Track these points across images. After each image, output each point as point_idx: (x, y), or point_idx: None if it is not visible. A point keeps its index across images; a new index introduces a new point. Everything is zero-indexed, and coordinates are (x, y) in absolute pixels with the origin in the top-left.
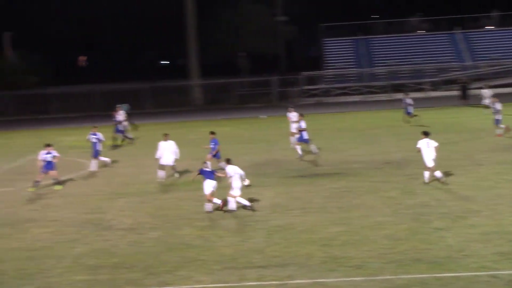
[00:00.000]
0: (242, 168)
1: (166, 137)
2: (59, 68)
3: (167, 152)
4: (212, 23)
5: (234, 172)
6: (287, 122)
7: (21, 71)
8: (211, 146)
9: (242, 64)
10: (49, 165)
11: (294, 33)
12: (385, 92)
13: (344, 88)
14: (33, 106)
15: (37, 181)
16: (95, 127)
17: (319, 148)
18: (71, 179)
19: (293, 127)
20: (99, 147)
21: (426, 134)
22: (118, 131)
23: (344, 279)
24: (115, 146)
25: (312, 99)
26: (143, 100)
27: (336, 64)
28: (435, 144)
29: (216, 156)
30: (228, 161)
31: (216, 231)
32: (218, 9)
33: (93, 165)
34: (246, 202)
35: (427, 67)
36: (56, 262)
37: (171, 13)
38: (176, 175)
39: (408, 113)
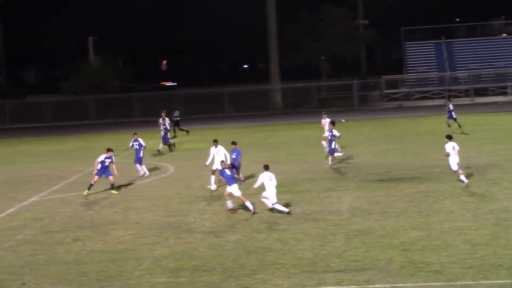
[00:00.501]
0: (321, 172)
1: (215, 143)
2: (141, 72)
3: (217, 157)
4: (293, 27)
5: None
6: (367, 126)
7: (104, 75)
8: (233, 156)
9: (323, 68)
10: (104, 170)
11: (375, 37)
12: (467, 96)
13: (426, 92)
14: (115, 110)
15: (92, 184)
16: (135, 133)
17: (402, 152)
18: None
19: (327, 133)
20: (141, 153)
21: (450, 138)
22: (166, 139)
23: (423, 284)
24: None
25: (393, 103)
26: (223, 104)
27: (418, 68)
28: (458, 148)
29: (236, 167)
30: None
31: (295, 235)
32: (300, 13)
33: (140, 170)
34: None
35: (510, 71)
36: (137, 264)
37: (253, 18)
38: (241, 178)
39: (453, 118)
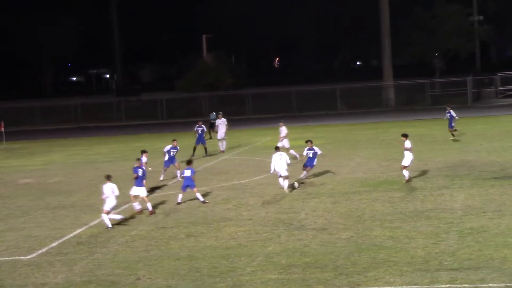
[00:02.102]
0: (434, 169)
1: (277, 150)
2: (254, 70)
3: (280, 163)
4: (407, 23)
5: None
6: (481, 123)
7: (217, 72)
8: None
9: (437, 64)
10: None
11: (490, 33)
12: None
13: None
14: (229, 107)
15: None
16: (175, 140)
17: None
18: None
19: (282, 143)
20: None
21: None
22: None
23: None
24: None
25: (508, 100)
26: (335, 101)
27: None
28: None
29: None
30: None
31: (407, 233)
32: (413, 9)
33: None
34: None
35: None
36: (249, 261)
37: (366, 15)
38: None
39: (451, 126)
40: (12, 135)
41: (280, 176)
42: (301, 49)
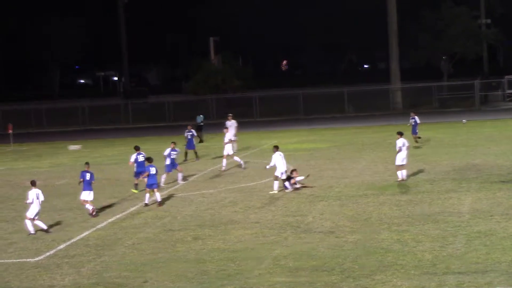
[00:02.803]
0: (442, 172)
1: (276, 149)
2: (261, 72)
3: (280, 163)
4: (414, 26)
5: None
6: (489, 126)
7: (224, 74)
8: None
9: (444, 67)
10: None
11: (497, 36)
12: None
13: None
14: (236, 109)
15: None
16: (173, 142)
17: None
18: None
19: (228, 136)
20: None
21: (401, 134)
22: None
23: None
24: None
25: None
26: (343, 104)
27: None
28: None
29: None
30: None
31: (415, 236)
32: (420, 12)
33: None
34: None
35: None
36: (256, 264)
37: (373, 18)
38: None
39: (414, 133)
40: (19, 137)
41: (280, 178)
42: (308, 51)
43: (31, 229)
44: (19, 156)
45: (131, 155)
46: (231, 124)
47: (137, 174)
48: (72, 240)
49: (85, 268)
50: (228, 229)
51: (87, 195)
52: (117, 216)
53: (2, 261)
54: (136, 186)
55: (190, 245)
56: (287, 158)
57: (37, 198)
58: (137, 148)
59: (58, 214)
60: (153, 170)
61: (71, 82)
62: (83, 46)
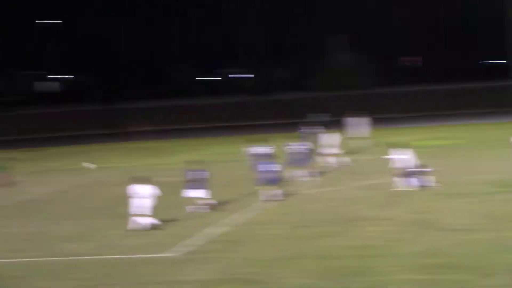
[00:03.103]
0: None
1: (397, 145)
2: (389, 68)
3: (402, 159)
4: None
5: None
6: None
7: (352, 72)
8: None
9: None
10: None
11: None
12: None
13: None
14: (364, 106)
15: None
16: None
17: None
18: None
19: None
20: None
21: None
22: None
23: None
24: None
25: None
26: (476, 99)
27: None
28: None
29: None
30: None
31: None
32: None
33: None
34: None
35: None
36: (384, 261)
37: (492, 13)
38: None
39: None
40: (149, 134)
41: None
42: (441, 47)
43: (142, 222)
44: (150, 152)
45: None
46: (360, 121)
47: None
48: (206, 236)
49: (215, 264)
50: (356, 226)
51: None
52: (250, 212)
53: (139, 256)
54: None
55: (317, 241)
56: (416, 155)
57: (149, 194)
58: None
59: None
60: (272, 167)
61: (200, 79)
62: (215, 45)
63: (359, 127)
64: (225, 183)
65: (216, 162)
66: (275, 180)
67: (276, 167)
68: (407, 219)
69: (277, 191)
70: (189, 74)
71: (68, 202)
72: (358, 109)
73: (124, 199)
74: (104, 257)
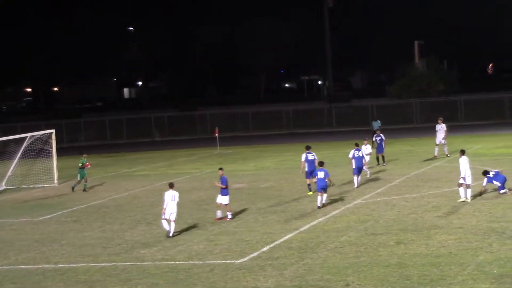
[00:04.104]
0: None
1: (462, 153)
2: (467, 75)
3: (464, 168)
4: None
5: None
6: None
7: (428, 78)
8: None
9: None
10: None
11: None
12: None
13: None
14: (441, 113)
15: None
16: (308, 147)
17: None
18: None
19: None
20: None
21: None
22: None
23: None
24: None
25: None
26: None
27: None
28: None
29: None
30: None
31: None
32: None
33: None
34: None
35: None
36: (460, 269)
37: None
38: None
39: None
40: (226, 140)
41: (461, 185)
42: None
43: (167, 227)
44: (224, 159)
45: (302, 154)
46: (441, 127)
47: (308, 174)
48: (276, 243)
49: (287, 271)
50: (431, 234)
51: (221, 199)
52: (320, 219)
53: (208, 262)
54: (309, 187)
55: (392, 249)
56: (493, 163)
57: (173, 200)
58: (307, 148)
59: (262, 216)
60: (320, 174)
61: (276, 87)
62: (288, 52)
63: (440, 133)
64: (299, 189)
65: (292, 169)
66: (322, 187)
67: (323, 174)
68: (483, 227)
69: (322, 196)
70: (266, 80)
71: (142, 206)
72: (435, 116)
73: (194, 205)
74: (174, 262)
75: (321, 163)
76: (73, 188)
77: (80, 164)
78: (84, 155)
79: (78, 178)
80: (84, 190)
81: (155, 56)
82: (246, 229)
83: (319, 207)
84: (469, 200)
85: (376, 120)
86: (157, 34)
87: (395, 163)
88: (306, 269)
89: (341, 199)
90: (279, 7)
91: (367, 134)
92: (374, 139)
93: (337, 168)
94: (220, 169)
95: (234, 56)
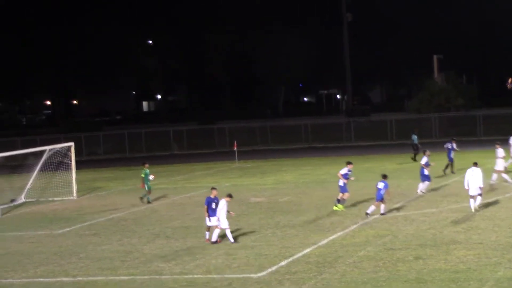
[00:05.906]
0: None
1: (475, 165)
2: (486, 90)
3: (473, 181)
4: None
5: None
6: None
7: (447, 93)
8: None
9: None
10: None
11: None
12: None
13: None
14: (459, 128)
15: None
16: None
17: None
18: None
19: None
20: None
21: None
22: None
23: None
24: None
25: None
26: None
27: None
28: None
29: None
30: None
31: None
32: None
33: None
34: None
35: None
36: (479, 285)
37: None
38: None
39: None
40: (244, 154)
41: (471, 196)
42: None
43: (230, 237)
44: (244, 172)
45: (341, 169)
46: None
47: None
48: (294, 257)
49: (306, 285)
50: (450, 249)
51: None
52: (338, 233)
53: (227, 276)
54: (338, 201)
55: (411, 264)
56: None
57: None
58: (348, 163)
59: (280, 231)
60: (380, 185)
61: (295, 101)
62: (307, 65)
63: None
64: (318, 203)
65: (311, 183)
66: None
67: (382, 185)
68: (502, 243)
69: (381, 206)
70: (285, 94)
71: (161, 220)
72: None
73: None
74: (192, 276)
75: (384, 176)
76: (148, 201)
77: (142, 175)
78: (146, 165)
79: (146, 189)
80: (149, 202)
81: (173, 68)
82: (265, 243)
83: (383, 214)
84: (472, 210)
85: (414, 134)
86: (175, 46)
87: (414, 178)
88: (324, 284)
89: (360, 213)
90: (299, 22)
91: (389, 148)
92: (445, 146)
93: (358, 183)
94: (213, 188)
95: (252, 70)
